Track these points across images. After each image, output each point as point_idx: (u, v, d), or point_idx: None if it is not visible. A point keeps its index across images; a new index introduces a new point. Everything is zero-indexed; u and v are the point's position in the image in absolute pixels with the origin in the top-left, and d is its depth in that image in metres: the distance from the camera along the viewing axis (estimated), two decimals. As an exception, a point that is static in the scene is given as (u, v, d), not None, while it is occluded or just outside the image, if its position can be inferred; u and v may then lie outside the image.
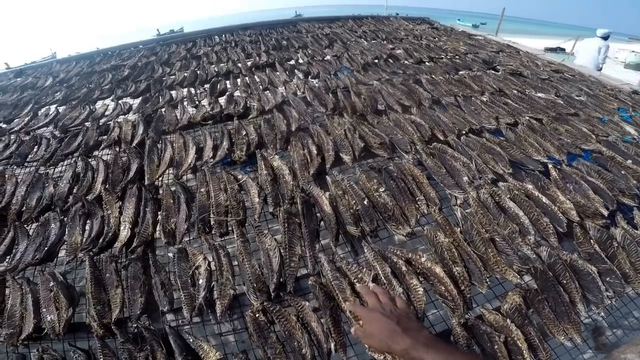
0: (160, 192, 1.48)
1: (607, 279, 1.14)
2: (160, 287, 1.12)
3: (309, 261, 1.13)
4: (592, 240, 1.26)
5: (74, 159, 1.80)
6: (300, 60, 2.82)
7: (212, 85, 2.36)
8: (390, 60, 2.93)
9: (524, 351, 0.94)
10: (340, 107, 1.96)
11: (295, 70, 2.58)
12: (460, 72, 2.70)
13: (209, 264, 1.14)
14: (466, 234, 1.21)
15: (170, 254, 1.23)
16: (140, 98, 2.34)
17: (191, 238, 1.31)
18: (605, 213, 1.35)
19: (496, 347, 0.95)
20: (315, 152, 1.52)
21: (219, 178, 1.44)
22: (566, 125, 1.97)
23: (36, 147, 1.93)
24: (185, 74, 2.63)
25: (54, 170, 1.78)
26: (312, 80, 2.44)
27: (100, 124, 2.06)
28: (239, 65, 2.72)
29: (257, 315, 1.02)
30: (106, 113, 2.25)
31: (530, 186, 1.43)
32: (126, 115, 2.18)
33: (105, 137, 1.92)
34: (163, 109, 2.11)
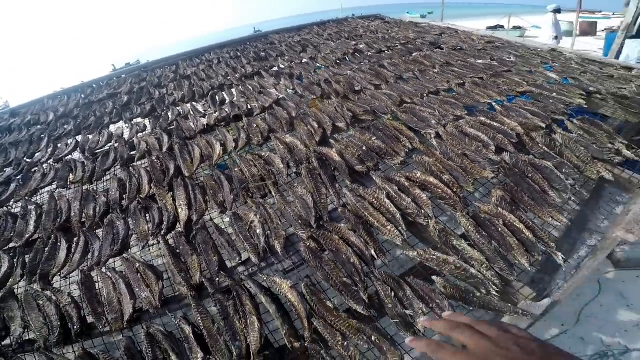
0: (202, 179, 1.80)
1: (563, 170, 1.55)
2: (227, 245, 1.40)
3: (335, 197, 1.52)
4: (540, 144, 1.74)
5: (114, 173, 2.10)
6: (282, 66, 3.25)
7: (211, 97, 2.72)
8: (357, 54, 3.43)
9: (524, 230, 1.27)
10: (327, 93, 2.41)
11: (280, 74, 3.01)
12: (414, 54, 3.23)
13: (260, 218, 1.44)
14: (444, 154, 1.66)
15: (227, 218, 1.54)
16: (150, 117, 2.66)
17: (239, 205, 1.61)
18: (544, 125, 1.85)
19: (500, 229, 1.29)
20: (317, 125, 1.95)
21: (247, 159, 1.82)
22: (502, 79, 2.51)
23: (71, 171, 2.17)
24: (183, 92, 2.98)
25: (97, 186, 2.04)
26: (297, 80, 2.87)
27: (125, 141, 2.37)
28: (229, 78, 3.11)
29: (308, 243, 1.32)
30: (124, 134, 2.55)
31: (483, 118, 1.92)
32: (144, 132, 2.51)
33: (135, 152, 2.24)
34: (177, 122, 2.45)
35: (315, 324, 1.09)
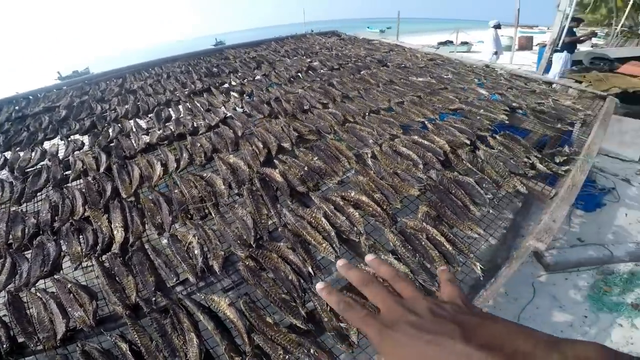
0: (141, 200, 1.76)
1: (484, 185, 1.74)
2: (164, 265, 1.40)
3: (276, 217, 1.56)
4: (464, 161, 1.91)
5: (45, 194, 1.96)
6: (233, 83, 3.26)
7: (156, 114, 2.65)
8: (310, 72, 3.53)
9: (445, 243, 1.40)
10: (275, 112, 2.46)
11: (231, 92, 3.01)
12: (362, 72, 3.39)
13: (198, 239, 1.46)
14: (377, 173, 1.76)
15: (165, 240, 1.52)
16: (89, 134, 2.54)
17: (178, 227, 1.62)
18: (468, 142, 2.04)
19: (423, 242, 1.41)
20: (262, 146, 1.99)
21: (187, 180, 1.81)
22: (438, 97, 2.72)
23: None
24: (127, 107, 2.87)
25: (27, 208, 1.94)
26: (247, 97, 2.90)
27: (60, 160, 2.22)
28: (177, 93, 3.05)
29: (247, 262, 1.36)
30: (59, 151, 2.41)
31: (415, 137, 2.07)
32: (82, 150, 2.38)
33: (69, 171, 2.12)
34: (117, 140, 2.36)
35: (255, 339, 1.12)
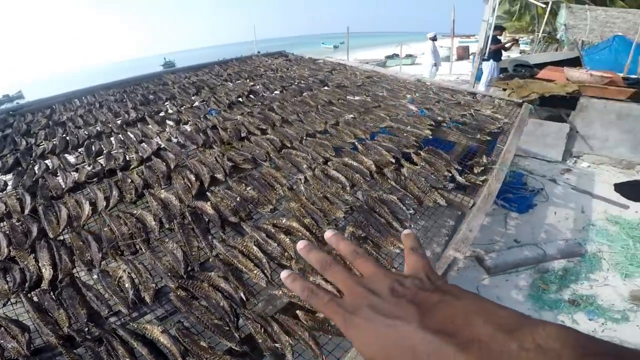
0: (68, 240, 1.72)
1: (406, 201, 1.92)
2: (95, 299, 1.42)
3: (207, 248, 1.60)
4: (389, 180, 2.07)
5: None
6: (170, 111, 3.25)
7: (86, 147, 2.58)
8: (252, 96, 3.60)
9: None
10: (210, 142, 2.49)
11: (166, 120, 3.00)
12: (304, 94, 3.54)
13: (129, 273, 1.48)
14: (308, 198, 1.86)
15: (95, 276, 1.54)
16: (13, 173, 2.41)
17: (108, 263, 1.60)
18: (394, 161, 2.21)
19: (348, 262, 1.56)
20: (194, 178, 2.01)
21: (118, 217, 1.79)
22: (371, 115, 2.91)
23: None
24: (55, 142, 2.76)
25: None
26: (184, 126, 2.90)
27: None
28: (110, 124, 2.98)
29: (177, 292, 1.41)
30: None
31: (346, 159, 2.20)
32: (4, 192, 2.25)
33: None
34: (43, 179, 2.26)
35: None
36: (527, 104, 3.46)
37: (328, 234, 0.48)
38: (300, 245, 0.47)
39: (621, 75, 6.22)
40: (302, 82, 4.01)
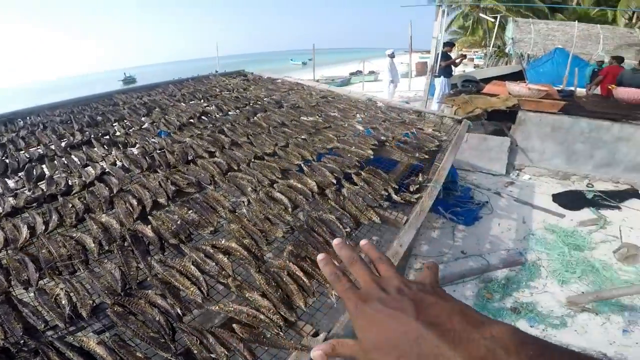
0: (4, 261, 1.73)
1: (344, 220, 2.09)
2: (32, 314, 1.46)
3: (146, 269, 1.66)
4: (329, 200, 2.24)
5: None
6: (118, 133, 3.26)
7: (27, 172, 2.55)
8: (204, 117, 3.69)
9: (302, 277, 1.65)
10: (156, 165, 2.55)
11: (113, 143, 3.01)
12: (258, 115, 3.68)
13: (66, 291, 1.52)
14: (250, 220, 1.98)
15: (32, 294, 1.57)
16: None
17: (46, 282, 1.63)
18: (335, 182, 2.38)
19: (285, 278, 1.65)
20: (136, 203, 2.07)
21: (56, 240, 1.81)
22: (321, 136, 3.10)
23: None
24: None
25: None
26: (131, 149, 2.93)
27: None
28: (53, 147, 2.95)
29: (114, 307, 1.48)
30: None
31: (291, 181, 2.35)
32: None
33: None
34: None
35: None
36: (466, 120, 3.81)
37: (362, 243, 0.59)
38: (336, 241, 0.56)
39: (559, 87, 6.92)
40: (258, 102, 4.16)
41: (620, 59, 7.17)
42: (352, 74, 19.12)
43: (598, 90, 7.05)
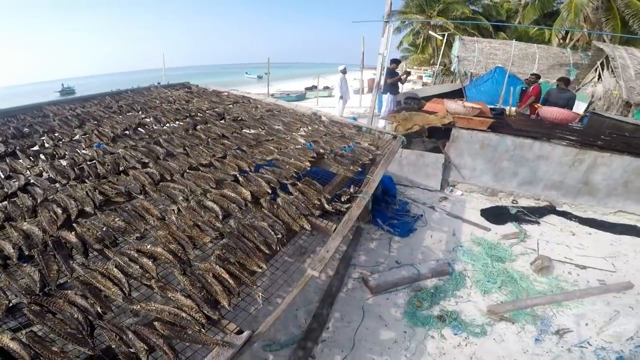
0: None
1: (276, 227, 2.29)
2: None
3: (67, 272, 1.75)
4: (263, 209, 2.46)
5: None
6: (46, 145, 3.25)
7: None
8: (140, 129, 3.78)
9: (228, 279, 1.82)
10: (84, 176, 2.62)
11: (40, 155, 3.01)
12: (198, 127, 3.84)
13: None
14: (179, 227, 2.13)
15: None
16: None
17: None
18: (270, 191, 2.61)
19: (210, 280, 1.81)
20: (61, 211, 2.15)
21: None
22: (261, 148, 3.34)
23: None
24: None
25: None
26: (60, 160, 2.95)
27: None
28: (-30, 159, 2.88)
29: (32, 306, 1.55)
30: None
31: (225, 190, 2.55)
32: None
33: None
34: None
35: None
36: (400, 136, 4.27)
37: None
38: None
39: (494, 106, 7.65)
40: (199, 114, 4.33)
41: (537, 77, 8.15)
42: (307, 88, 19.90)
43: (527, 110, 7.89)
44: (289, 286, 2.45)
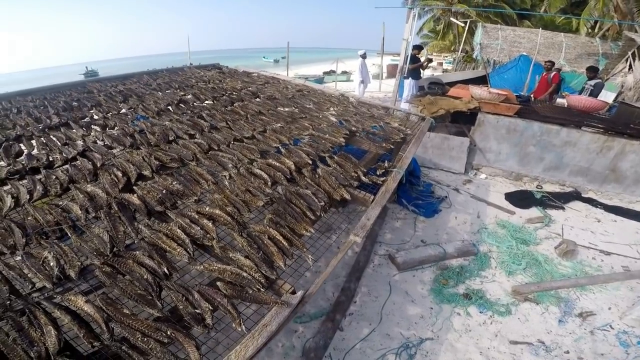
0: None
1: (319, 195, 2.35)
2: (19, 277, 1.55)
3: (133, 233, 1.83)
4: (305, 177, 2.51)
5: None
6: (96, 117, 3.36)
7: (4, 149, 2.62)
8: (182, 105, 3.86)
9: (282, 240, 1.89)
10: (138, 144, 2.72)
11: (92, 125, 3.12)
12: (235, 104, 3.90)
13: (54, 254, 1.63)
14: (232, 191, 2.21)
15: (18, 257, 1.65)
16: None
17: (33, 247, 1.72)
18: (311, 162, 2.66)
19: (266, 241, 1.87)
20: (121, 175, 2.24)
21: (42, 208, 1.95)
22: (297, 124, 3.38)
23: None
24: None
25: None
26: (111, 130, 3.06)
27: None
28: (30, 128, 3.01)
29: (103, 268, 1.60)
30: None
31: (270, 160, 2.61)
32: None
33: None
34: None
35: (113, 326, 1.37)
36: (429, 118, 4.24)
37: None
38: None
39: (519, 94, 7.48)
40: (234, 93, 4.38)
41: (552, 63, 7.92)
42: (325, 73, 19.66)
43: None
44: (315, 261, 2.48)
